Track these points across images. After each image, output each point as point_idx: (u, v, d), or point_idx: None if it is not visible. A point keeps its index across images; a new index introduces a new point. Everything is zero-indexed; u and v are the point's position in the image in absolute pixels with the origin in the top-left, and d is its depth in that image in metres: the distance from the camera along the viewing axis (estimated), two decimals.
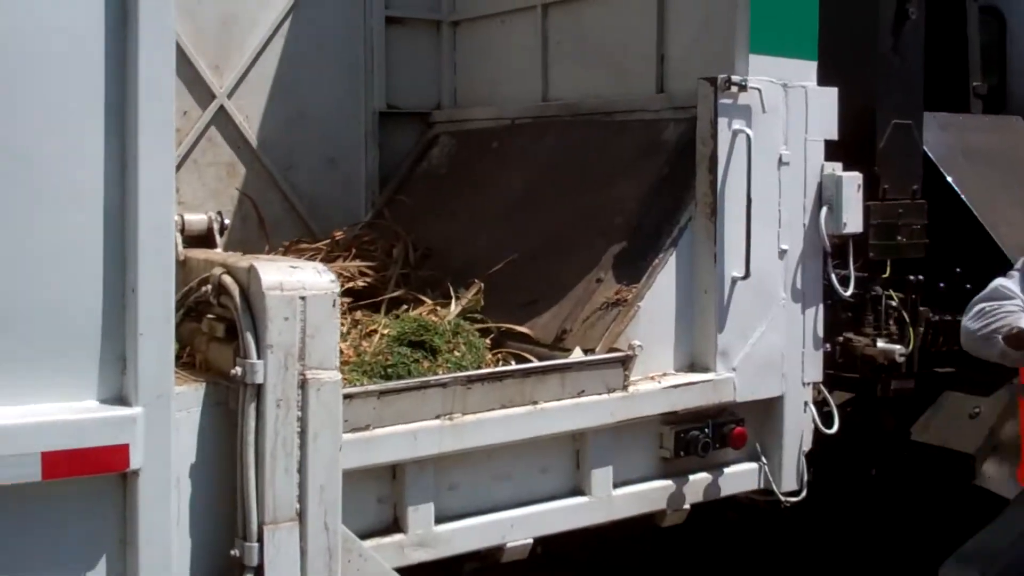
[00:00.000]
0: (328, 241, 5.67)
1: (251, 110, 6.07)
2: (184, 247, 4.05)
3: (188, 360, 3.64)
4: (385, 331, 4.47)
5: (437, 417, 3.86)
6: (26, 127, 3.08)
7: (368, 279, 5.30)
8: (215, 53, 5.93)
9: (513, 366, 4.16)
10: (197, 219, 4.19)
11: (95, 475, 3.14)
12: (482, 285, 4.82)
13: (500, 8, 6.31)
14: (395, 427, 3.77)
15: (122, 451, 3.14)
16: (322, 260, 5.15)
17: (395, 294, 5.18)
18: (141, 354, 3.16)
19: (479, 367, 4.29)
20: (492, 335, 4.67)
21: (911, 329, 5.59)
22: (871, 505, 5.99)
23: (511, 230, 5.37)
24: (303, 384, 3.38)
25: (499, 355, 4.55)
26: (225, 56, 5.97)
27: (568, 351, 4.41)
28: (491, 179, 5.80)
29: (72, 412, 3.12)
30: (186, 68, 5.73)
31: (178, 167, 5.74)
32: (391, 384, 3.86)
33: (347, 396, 3.56)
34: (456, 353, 4.33)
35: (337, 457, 3.46)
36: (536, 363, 4.23)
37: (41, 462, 3.02)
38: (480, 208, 5.67)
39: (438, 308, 4.80)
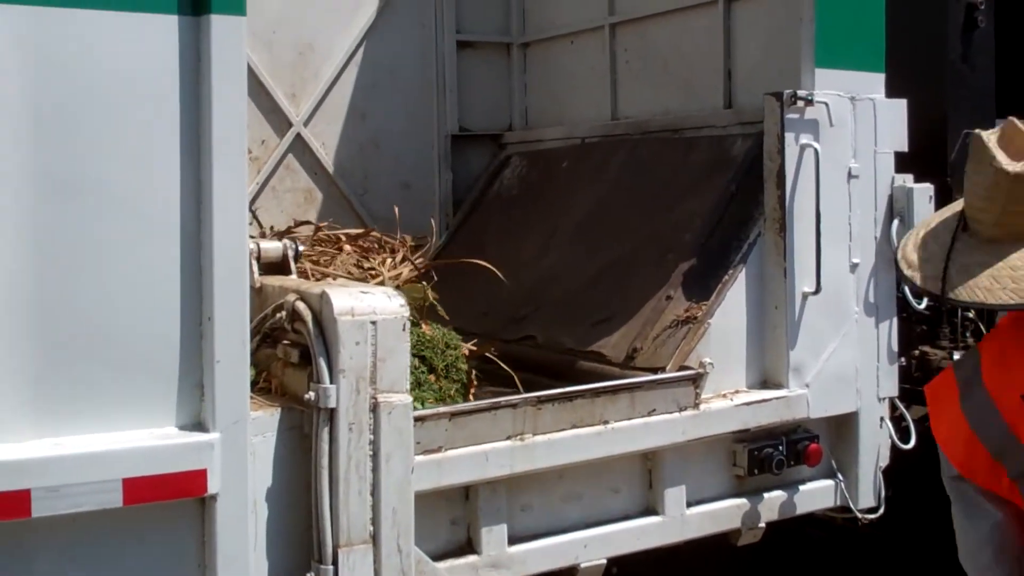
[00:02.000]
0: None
1: (327, 137, 6.18)
2: (260, 274, 4.15)
3: (264, 385, 3.72)
4: None
5: (508, 438, 3.89)
6: (104, 159, 3.19)
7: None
8: (291, 82, 6.06)
9: (583, 386, 4.18)
10: (272, 246, 4.28)
11: (174, 500, 3.24)
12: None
13: (568, 29, 6.36)
14: (466, 448, 3.81)
15: (200, 476, 3.24)
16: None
17: None
18: (218, 381, 3.26)
19: (463, 392, 4.33)
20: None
21: None
22: (950, 522, 5.92)
23: (582, 249, 5.40)
24: (375, 407, 3.45)
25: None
26: (301, 85, 6.09)
27: (640, 370, 4.43)
28: (562, 198, 5.83)
29: (152, 439, 3.22)
30: (263, 97, 5.87)
31: (257, 194, 5.88)
32: (462, 406, 3.91)
33: (418, 418, 3.62)
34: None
35: (409, 479, 3.52)
36: (606, 383, 4.25)
37: (123, 488, 3.13)
38: (551, 227, 5.71)
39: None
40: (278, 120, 6.02)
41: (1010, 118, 2.73)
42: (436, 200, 6.46)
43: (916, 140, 4.98)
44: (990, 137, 2.67)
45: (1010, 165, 2.59)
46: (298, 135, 6.08)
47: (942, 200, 5.22)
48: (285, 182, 6.10)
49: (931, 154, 5.43)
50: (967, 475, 2.77)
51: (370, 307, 3.47)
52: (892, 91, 4.91)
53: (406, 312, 3.53)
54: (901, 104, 4.94)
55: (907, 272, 2.75)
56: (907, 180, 4.91)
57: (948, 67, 5.84)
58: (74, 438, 3.14)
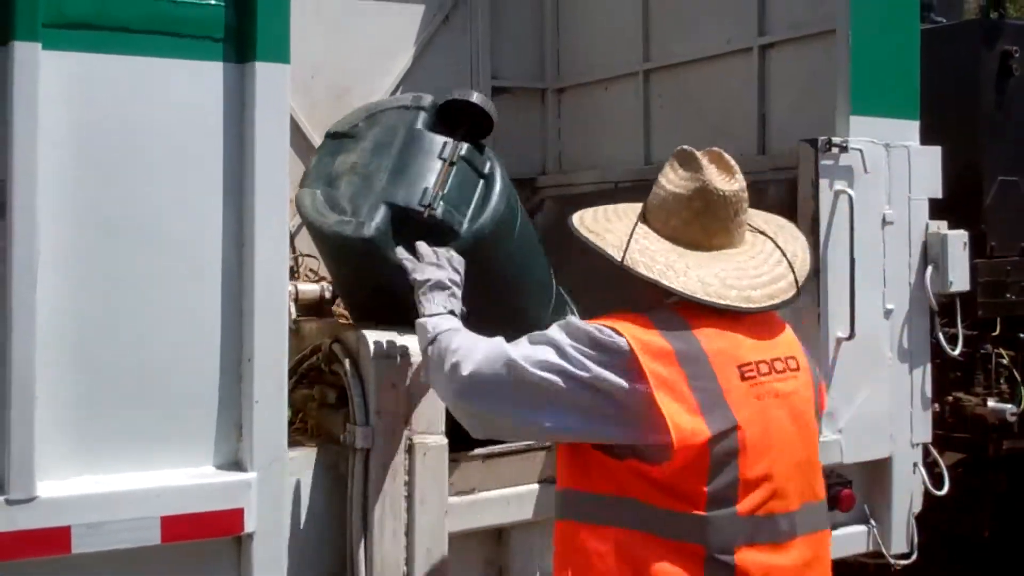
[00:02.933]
0: None
1: None
2: (298, 315, 4.20)
3: (300, 426, 3.76)
4: None
5: (542, 480, 3.92)
6: (149, 201, 3.27)
7: None
8: (329, 125, 6.09)
9: None
10: (310, 288, 4.33)
11: (212, 539, 3.28)
12: None
13: (603, 75, 6.41)
14: (500, 491, 3.84)
15: (238, 515, 3.28)
16: None
17: None
18: (256, 421, 3.31)
19: None
20: None
21: (1022, 388, 5.52)
22: (985, 568, 5.90)
23: (615, 292, 5.41)
24: (410, 448, 3.48)
25: None
26: None
27: None
28: None
29: (190, 477, 3.27)
30: (301, 141, 5.91)
31: (294, 237, 5.93)
32: (495, 448, 3.94)
33: (453, 460, 3.65)
34: None
35: (443, 520, 3.54)
36: None
37: (161, 526, 3.17)
38: (585, 271, 5.73)
39: None
40: None
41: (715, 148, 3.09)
42: None
43: (950, 187, 4.99)
44: (701, 155, 3.03)
45: (728, 184, 2.97)
46: None
47: (977, 247, 5.24)
48: None
49: (965, 201, 5.46)
50: None
51: (406, 349, 3.51)
52: (926, 138, 4.93)
53: None
54: (936, 151, 4.95)
55: (587, 235, 2.98)
56: (941, 227, 4.92)
57: (982, 115, 5.88)
58: (114, 476, 3.19)
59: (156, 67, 3.26)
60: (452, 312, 3.24)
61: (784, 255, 3.02)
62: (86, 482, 3.16)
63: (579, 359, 2.77)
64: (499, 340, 2.94)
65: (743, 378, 2.79)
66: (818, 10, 5.00)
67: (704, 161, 3.02)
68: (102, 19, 3.19)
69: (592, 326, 2.83)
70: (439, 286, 3.31)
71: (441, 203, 3.63)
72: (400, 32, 6.31)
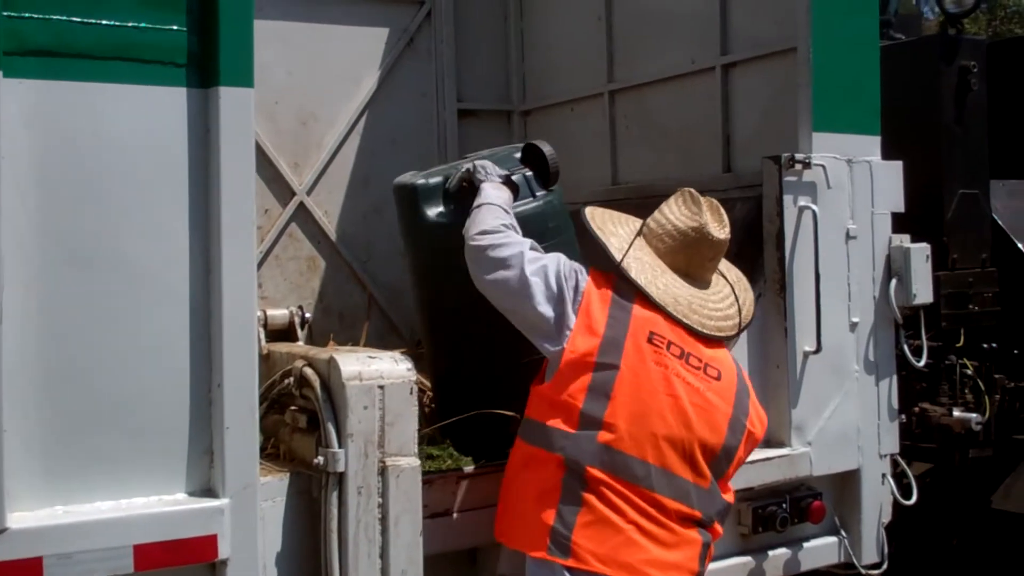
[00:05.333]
0: None
1: (330, 205, 6.22)
2: (267, 341, 4.20)
3: (272, 451, 3.76)
4: None
5: None
6: (113, 229, 3.25)
7: None
8: (294, 152, 6.12)
9: None
10: (279, 313, 4.33)
11: (185, 566, 3.27)
12: None
13: (568, 96, 6.45)
14: (474, 512, 3.84)
15: (211, 541, 3.27)
16: None
17: None
18: (228, 447, 3.30)
19: None
20: None
21: (987, 397, 5.58)
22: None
23: None
24: (383, 471, 3.49)
25: None
26: (304, 154, 6.14)
27: None
28: None
29: (162, 505, 3.26)
30: (267, 167, 5.92)
31: (261, 263, 5.92)
32: (469, 468, 3.95)
33: (426, 481, 3.66)
34: None
35: (418, 542, 3.54)
36: None
37: (134, 554, 3.16)
38: None
39: None
40: (281, 189, 6.06)
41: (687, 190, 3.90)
42: None
43: (912, 201, 5.05)
44: (704, 201, 3.85)
45: (719, 232, 3.81)
46: (301, 204, 6.12)
47: (939, 259, 5.30)
48: (288, 250, 6.13)
49: (927, 214, 5.52)
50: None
51: (377, 372, 3.52)
52: (888, 153, 4.99)
53: (413, 376, 3.58)
54: (897, 166, 5.01)
55: (596, 231, 3.83)
56: (904, 240, 4.98)
57: (942, 129, 5.95)
58: (85, 505, 3.17)
59: (119, 94, 3.26)
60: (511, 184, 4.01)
61: (736, 301, 3.88)
62: (57, 512, 3.15)
63: (562, 274, 3.66)
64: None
65: (649, 341, 3.62)
66: (779, 29, 5.06)
67: (704, 207, 3.82)
68: (63, 46, 3.18)
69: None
70: (487, 164, 4.04)
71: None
72: (365, 57, 6.33)
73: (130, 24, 3.25)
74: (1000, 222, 6.16)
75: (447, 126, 6.52)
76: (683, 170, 5.67)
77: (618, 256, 3.73)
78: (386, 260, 6.34)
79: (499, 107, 6.76)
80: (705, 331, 3.72)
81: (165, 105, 3.32)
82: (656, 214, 3.90)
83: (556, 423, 3.51)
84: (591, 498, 3.46)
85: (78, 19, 3.19)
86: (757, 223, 4.80)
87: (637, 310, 3.65)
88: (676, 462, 3.56)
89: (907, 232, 5.01)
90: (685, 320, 3.69)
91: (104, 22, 3.22)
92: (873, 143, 4.96)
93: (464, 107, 6.60)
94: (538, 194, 4.21)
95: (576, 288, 3.64)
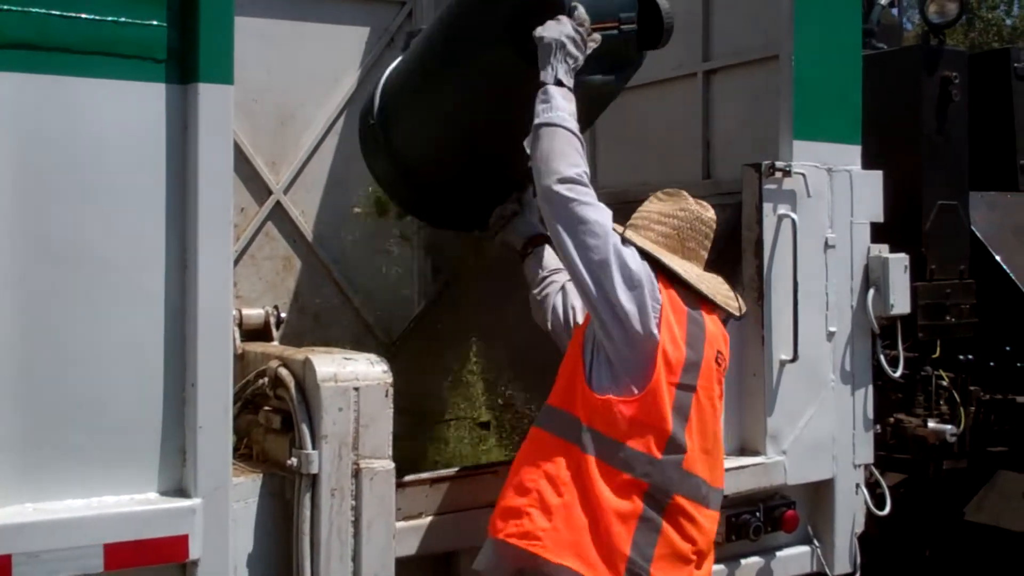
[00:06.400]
0: None
1: (306, 205, 6.19)
2: (242, 340, 4.17)
3: (245, 452, 3.73)
4: None
5: (489, 504, 3.89)
6: (89, 226, 3.22)
7: None
8: (271, 150, 6.08)
9: None
10: (255, 313, 4.31)
11: (155, 565, 3.23)
12: None
13: None
14: (447, 515, 3.82)
15: (182, 542, 3.23)
16: None
17: None
18: (200, 447, 3.27)
19: None
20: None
21: (962, 409, 5.60)
22: None
23: None
24: (357, 473, 3.46)
25: None
26: (281, 153, 6.11)
27: None
28: None
29: (134, 504, 3.22)
30: (244, 166, 5.88)
31: (236, 261, 5.86)
32: (443, 472, 3.93)
33: (400, 484, 3.63)
34: None
35: (391, 545, 3.52)
36: None
37: (104, 554, 3.12)
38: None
39: None
40: (258, 188, 6.03)
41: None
42: (415, 268, 6.48)
43: (891, 211, 5.06)
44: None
45: (706, 211, 3.77)
46: (277, 203, 6.09)
47: (917, 270, 5.31)
48: (264, 249, 6.09)
49: (906, 225, 5.53)
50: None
51: (353, 373, 3.49)
52: (868, 163, 5.00)
53: (389, 378, 3.55)
54: (877, 176, 5.02)
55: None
56: (883, 250, 4.99)
57: (922, 140, 5.97)
58: (56, 503, 3.14)
59: (97, 88, 3.22)
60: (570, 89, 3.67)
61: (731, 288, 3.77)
62: (27, 510, 3.11)
63: (642, 270, 3.46)
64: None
65: (715, 361, 3.55)
66: (762, 36, 5.07)
67: (686, 194, 3.76)
68: (43, 40, 3.15)
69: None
70: (557, 46, 3.68)
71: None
72: (345, 56, 6.29)
73: (110, 19, 3.22)
74: (978, 234, 6.18)
75: None
76: (663, 175, 5.66)
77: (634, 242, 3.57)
78: (362, 261, 6.32)
79: None
80: (715, 299, 3.62)
81: (144, 101, 3.28)
82: (638, 211, 3.77)
83: (640, 445, 3.37)
84: (668, 528, 3.37)
85: (57, 12, 3.16)
86: (736, 230, 4.80)
87: (708, 325, 3.56)
88: (719, 475, 3.58)
89: (886, 242, 5.01)
90: (697, 286, 3.58)
91: (84, 16, 3.19)
92: (854, 152, 4.97)
93: None
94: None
95: (654, 293, 3.44)
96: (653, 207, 3.74)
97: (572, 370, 3.54)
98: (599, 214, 3.46)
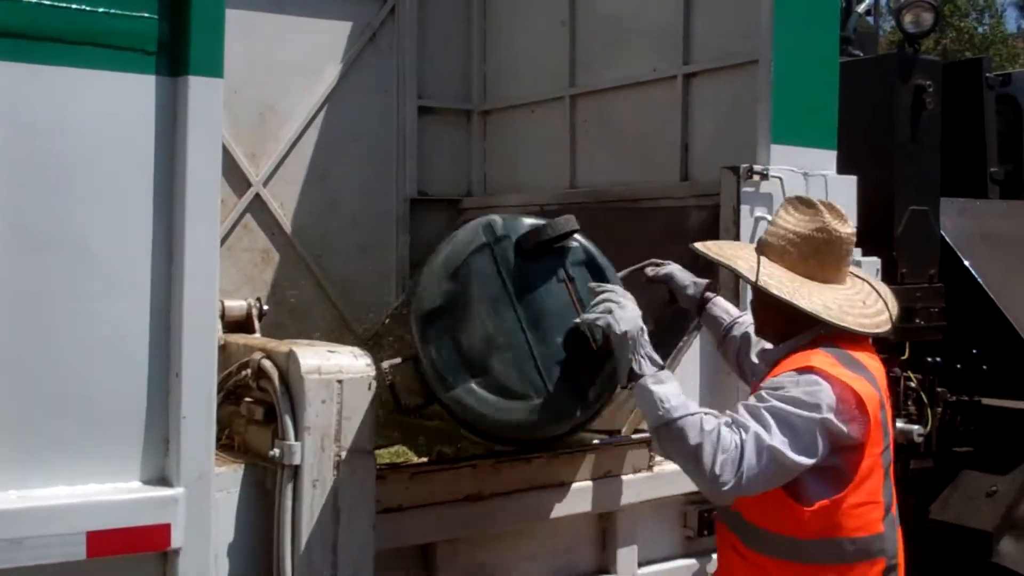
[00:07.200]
0: None
1: (285, 198, 6.23)
2: (224, 332, 4.19)
3: (227, 442, 3.75)
4: None
5: (467, 497, 3.95)
6: (76, 216, 3.21)
7: None
8: (251, 142, 6.11)
9: (541, 447, 4.25)
10: (237, 305, 4.32)
11: (138, 554, 3.25)
12: None
13: (529, 98, 6.50)
14: (427, 507, 3.86)
15: (164, 530, 3.25)
16: None
17: None
18: (184, 436, 3.28)
19: None
20: None
21: (929, 409, 5.68)
22: None
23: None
24: (339, 465, 3.49)
25: None
26: (261, 145, 6.14)
27: (596, 433, 4.49)
28: None
29: (116, 492, 3.23)
30: (223, 157, 5.82)
31: None
32: (423, 465, 3.96)
33: (380, 476, 3.67)
34: None
35: (371, 536, 3.55)
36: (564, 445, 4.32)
37: (87, 541, 3.13)
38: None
39: None
40: (237, 179, 6.06)
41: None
42: (393, 262, 6.52)
43: (864, 215, 5.11)
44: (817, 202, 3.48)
45: (844, 227, 3.45)
46: (257, 195, 6.12)
47: (888, 273, 5.39)
48: (243, 241, 6.13)
49: (878, 229, 5.60)
50: None
51: (336, 366, 3.52)
52: (843, 168, 5.07)
53: (372, 372, 3.58)
54: (851, 180, 5.09)
55: (721, 260, 3.53)
56: (855, 254, 5.03)
57: (896, 146, 6.04)
58: (39, 491, 3.14)
59: (86, 79, 3.21)
60: (662, 365, 3.41)
61: (880, 296, 3.50)
62: (10, 497, 3.11)
63: (817, 432, 3.14)
64: (745, 422, 3.18)
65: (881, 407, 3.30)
66: (741, 41, 5.13)
67: (819, 206, 3.45)
68: (35, 29, 3.14)
69: (824, 393, 3.16)
70: (637, 335, 3.42)
71: (598, 326, 3.56)
72: (326, 50, 6.34)
73: (100, 9, 3.22)
74: (948, 239, 6.27)
75: (406, 123, 6.55)
76: (641, 176, 5.73)
77: (752, 276, 3.36)
78: (340, 254, 6.36)
79: (459, 106, 6.81)
80: (865, 331, 3.34)
81: (133, 92, 3.28)
82: (769, 228, 3.54)
83: (867, 526, 3.25)
84: None
85: (48, 2, 3.15)
86: (713, 232, 4.86)
87: (877, 373, 3.36)
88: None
89: (858, 246, 5.05)
90: (841, 323, 3.28)
91: (75, 6, 3.19)
92: (829, 157, 5.03)
93: (424, 104, 6.64)
94: (598, 262, 3.90)
95: (833, 428, 3.14)
96: (788, 224, 3.47)
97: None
98: (750, 450, 3.12)
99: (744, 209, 4.70)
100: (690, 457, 3.16)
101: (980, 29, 32.63)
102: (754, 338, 3.89)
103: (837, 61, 5.12)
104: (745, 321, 4.02)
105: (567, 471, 4.18)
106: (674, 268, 4.24)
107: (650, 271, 4.25)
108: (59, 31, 3.19)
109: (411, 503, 3.82)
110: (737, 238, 4.68)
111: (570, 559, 4.33)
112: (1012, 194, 7.24)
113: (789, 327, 3.41)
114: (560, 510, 4.17)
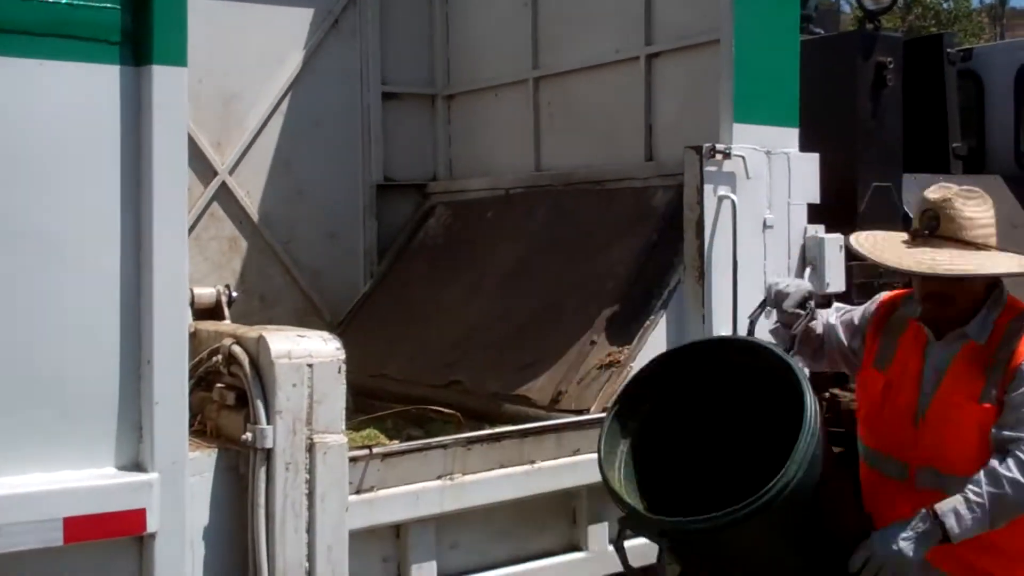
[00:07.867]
0: None
1: (252, 186, 6.22)
2: (193, 319, 4.21)
3: (199, 428, 3.78)
4: None
5: (439, 478, 3.98)
6: (44, 207, 3.24)
7: None
8: (217, 130, 6.10)
9: (511, 427, 4.30)
10: (206, 292, 4.34)
11: (114, 539, 3.29)
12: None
13: (493, 82, 6.52)
14: (398, 488, 3.89)
15: (139, 515, 3.29)
16: None
17: None
18: (157, 422, 3.32)
19: None
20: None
21: None
22: None
23: (507, 297, 5.52)
24: (311, 448, 3.53)
25: None
26: (226, 133, 6.13)
27: (565, 412, 4.55)
28: (486, 248, 5.96)
29: (92, 479, 3.27)
30: (188, 146, 5.86)
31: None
32: (394, 447, 4.00)
33: (352, 458, 3.70)
34: None
35: (344, 518, 3.60)
36: (533, 424, 4.37)
37: (64, 527, 3.17)
38: (476, 276, 5.83)
39: None
40: (203, 168, 6.05)
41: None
42: (361, 248, 6.52)
43: (827, 192, 5.18)
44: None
45: (961, 205, 3.39)
46: (223, 183, 6.12)
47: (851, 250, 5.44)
48: (210, 230, 6.12)
49: (841, 206, 5.64)
50: None
51: (307, 350, 3.56)
52: (805, 145, 5.12)
53: (342, 355, 3.62)
54: (814, 158, 5.15)
55: (970, 271, 3.35)
56: (819, 231, 5.11)
57: (858, 123, 6.09)
58: (16, 478, 3.17)
59: (51, 70, 3.24)
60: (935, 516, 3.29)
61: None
62: None
63: None
64: None
65: None
66: (703, 21, 5.17)
67: (976, 189, 3.48)
68: None
69: None
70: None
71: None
72: (289, 37, 6.33)
73: (64, 1, 3.24)
74: (911, 215, 6.32)
75: (371, 109, 6.55)
76: (606, 158, 5.76)
77: (897, 264, 3.45)
78: (308, 241, 6.37)
79: (423, 91, 6.81)
80: (922, 269, 3.33)
81: (98, 82, 3.31)
82: (969, 221, 3.44)
83: None
84: None
85: None
86: (678, 211, 4.91)
87: None
88: None
89: (822, 223, 5.14)
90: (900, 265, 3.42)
91: None
92: (791, 135, 5.09)
93: (388, 90, 6.64)
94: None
95: None
96: (982, 212, 3.44)
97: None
98: None
99: (707, 188, 4.76)
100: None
101: (945, 5, 32.84)
102: (840, 320, 3.88)
103: (798, 39, 5.17)
104: (820, 315, 3.88)
105: (536, 451, 4.22)
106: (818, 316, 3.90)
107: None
108: (22, 22, 3.21)
109: (383, 484, 3.86)
110: (701, 217, 4.73)
111: (541, 537, 4.36)
112: (975, 169, 7.29)
113: (984, 293, 3.45)
114: (530, 489, 4.21)
